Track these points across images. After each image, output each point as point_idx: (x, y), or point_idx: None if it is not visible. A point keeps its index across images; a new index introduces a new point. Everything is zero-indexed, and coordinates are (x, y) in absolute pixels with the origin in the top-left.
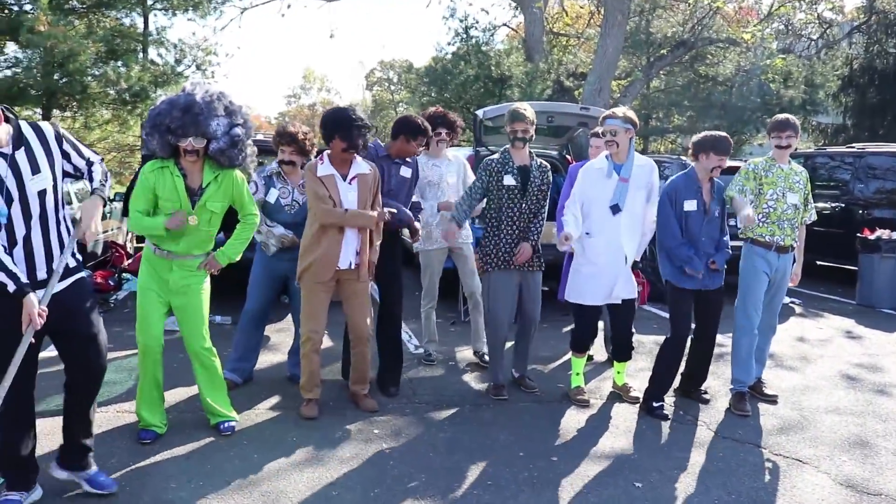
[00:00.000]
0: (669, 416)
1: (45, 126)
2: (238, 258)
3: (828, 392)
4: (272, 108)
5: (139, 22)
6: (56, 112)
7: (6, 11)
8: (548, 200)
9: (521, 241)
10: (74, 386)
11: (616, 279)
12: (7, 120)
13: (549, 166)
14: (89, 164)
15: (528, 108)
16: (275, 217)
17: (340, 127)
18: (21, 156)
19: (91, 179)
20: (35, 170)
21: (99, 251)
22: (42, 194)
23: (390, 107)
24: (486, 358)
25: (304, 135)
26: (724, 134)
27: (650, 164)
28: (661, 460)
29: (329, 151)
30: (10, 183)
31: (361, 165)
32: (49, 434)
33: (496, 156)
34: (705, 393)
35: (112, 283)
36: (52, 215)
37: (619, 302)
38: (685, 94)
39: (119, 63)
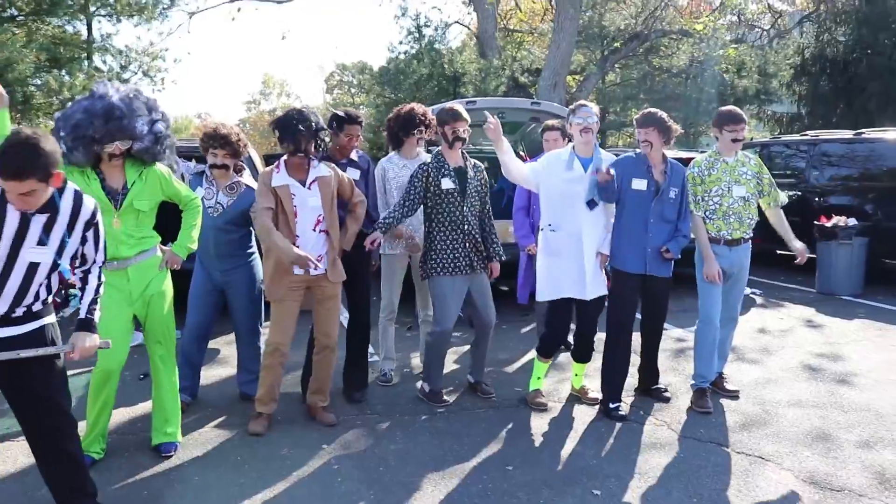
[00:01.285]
0: (627, 417)
1: (88, 203)
2: (195, 246)
3: (789, 384)
4: (232, 115)
5: (83, 29)
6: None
7: None
8: (488, 200)
9: (468, 245)
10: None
11: (584, 275)
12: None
13: (482, 165)
14: (94, 263)
15: (462, 108)
16: None
17: (285, 131)
18: (37, 221)
19: (83, 288)
20: (41, 242)
21: None
22: (33, 266)
23: (352, 109)
24: (485, 387)
25: (236, 136)
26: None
27: (611, 158)
28: (621, 464)
29: (285, 157)
30: (5, 240)
31: (321, 168)
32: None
33: (428, 158)
34: (665, 391)
35: (59, 300)
36: (37, 279)
37: (588, 299)
38: (641, 87)
39: (62, 71)
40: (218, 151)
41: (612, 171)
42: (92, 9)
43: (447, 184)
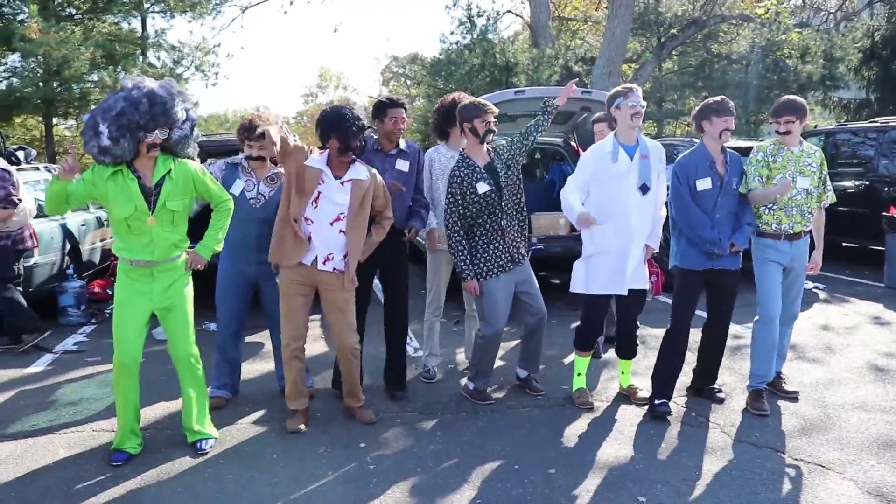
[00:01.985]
0: (671, 414)
1: None
2: (220, 248)
3: (854, 386)
4: (290, 108)
5: (138, 25)
6: (56, 120)
7: (2, 20)
8: (522, 191)
9: (507, 239)
10: None
11: (626, 268)
12: None
13: (501, 142)
14: None
15: (486, 100)
16: (238, 212)
17: (335, 128)
18: None
19: None
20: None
21: (97, 260)
22: None
23: (407, 101)
24: (535, 384)
25: (247, 122)
26: (719, 97)
27: (659, 147)
28: (669, 470)
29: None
30: None
31: (360, 171)
32: (17, 458)
33: (453, 163)
34: (719, 391)
35: (110, 293)
36: None
37: (626, 293)
38: (699, 75)
39: (118, 68)
40: (254, 143)
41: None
42: (146, 5)
43: (482, 187)
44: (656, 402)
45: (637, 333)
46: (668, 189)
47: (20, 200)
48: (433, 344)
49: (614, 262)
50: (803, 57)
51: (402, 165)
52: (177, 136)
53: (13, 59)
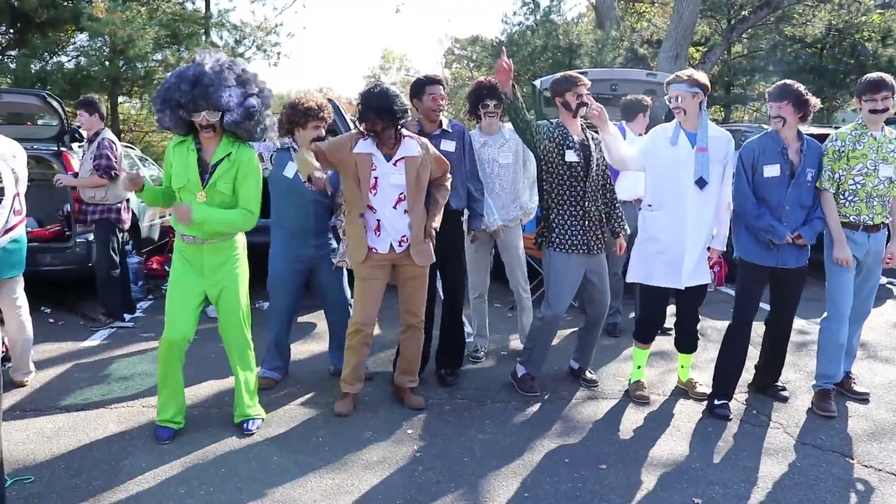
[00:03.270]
0: (731, 416)
1: None
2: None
3: None
4: (352, 89)
5: (202, 5)
6: (122, 99)
7: (71, 1)
8: (610, 174)
9: (587, 224)
10: None
11: (682, 260)
12: None
13: (599, 139)
14: None
15: (579, 74)
16: (294, 195)
17: (380, 109)
18: None
19: None
20: None
21: (155, 237)
22: None
23: (470, 84)
24: (589, 375)
25: (320, 105)
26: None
27: (726, 136)
28: (727, 470)
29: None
30: None
31: (411, 146)
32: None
33: (551, 127)
34: (783, 389)
35: (167, 269)
36: None
37: (683, 288)
38: (770, 59)
39: (181, 47)
40: (319, 123)
41: (790, 239)
42: None
43: (571, 156)
44: (716, 402)
45: (697, 327)
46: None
47: (117, 175)
48: (480, 324)
49: (670, 254)
50: (884, 40)
51: (448, 146)
52: (228, 119)
53: (81, 38)
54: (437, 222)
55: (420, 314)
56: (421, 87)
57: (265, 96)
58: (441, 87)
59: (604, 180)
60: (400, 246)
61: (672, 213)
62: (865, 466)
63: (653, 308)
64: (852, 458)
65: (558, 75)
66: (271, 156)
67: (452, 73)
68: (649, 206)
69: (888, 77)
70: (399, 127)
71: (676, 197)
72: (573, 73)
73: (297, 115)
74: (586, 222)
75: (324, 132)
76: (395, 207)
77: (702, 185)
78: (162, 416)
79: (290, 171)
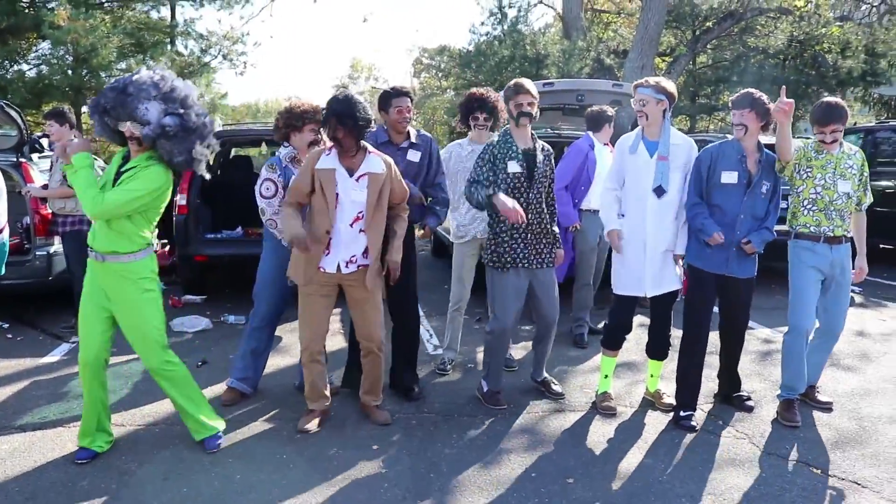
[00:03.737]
0: (697, 427)
1: None
2: (75, 165)
3: (892, 397)
4: (321, 98)
5: (167, 14)
6: (84, 108)
7: (32, 9)
8: (553, 186)
9: (531, 236)
10: None
11: (644, 268)
12: None
13: (551, 150)
14: None
15: (528, 82)
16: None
17: (345, 117)
18: None
19: None
20: None
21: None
22: None
23: (438, 93)
24: (554, 387)
25: (315, 109)
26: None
27: (689, 143)
28: (693, 483)
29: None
30: None
31: (375, 163)
32: (25, 451)
33: (495, 139)
34: (748, 399)
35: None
36: None
37: (645, 295)
38: (734, 69)
39: (146, 56)
40: (316, 126)
41: (720, 238)
42: None
43: (513, 167)
44: (682, 413)
45: (669, 333)
46: None
47: None
48: (453, 337)
49: (631, 261)
50: (844, 52)
51: (413, 156)
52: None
53: (43, 46)
54: (398, 256)
55: (376, 338)
56: (388, 99)
57: (192, 120)
58: (408, 98)
59: (548, 191)
60: (347, 267)
61: (632, 220)
62: (830, 476)
63: (620, 315)
64: (817, 468)
65: (510, 83)
66: (281, 174)
67: (421, 82)
68: (621, 214)
69: (839, 105)
70: (360, 136)
71: (636, 205)
72: (521, 80)
73: (293, 119)
74: (528, 235)
75: (320, 137)
76: (351, 225)
77: (660, 193)
78: (81, 440)
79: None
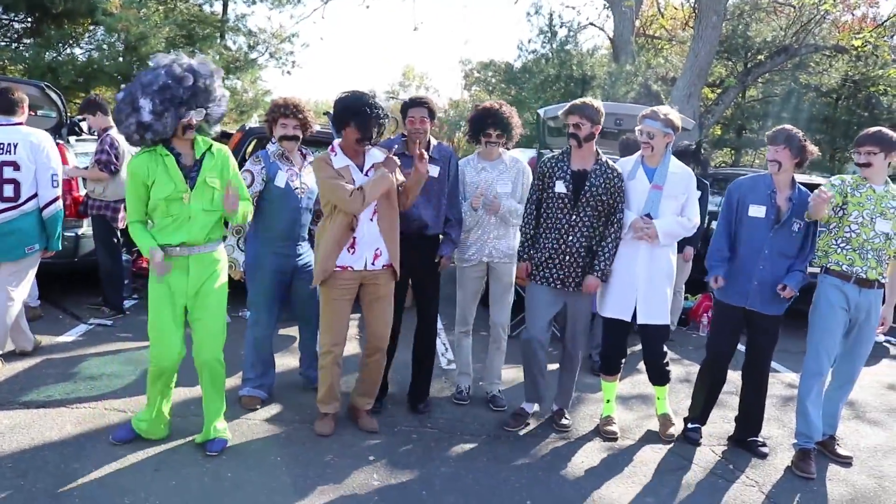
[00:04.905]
0: (701, 441)
1: None
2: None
3: None
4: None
5: (220, 8)
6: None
7: None
8: (600, 227)
9: (567, 259)
10: None
11: (633, 293)
12: None
13: (620, 172)
14: None
15: (589, 100)
16: (286, 204)
17: (356, 115)
18: None
19: None
20: None
21: None
22: None
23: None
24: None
25: (297, 105)
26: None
27: (687, 173)
28: None
29: (339, 141)
30: None
31: (375, 155)
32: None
33: (553, 156)
34: (763, 445)
35: None
36: None
37: (629, 320)
38: (784, 105)
39: (195, 48)
40: (288, 122)
41: (718, 283)
42: None
43: (560, 187)
44: (689, 425)
45: (665, 362)
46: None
47: (117, 171)
48: (463, 362)
49: (619, 284)
50: None
51: (433, 171)
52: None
53: (97, 32)
54: (395, 247)
55: (386, 337)
56: (405, 109)
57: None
58: (425, 108)
59: (601, 216)
60: (373, 263)
61: (626, 245)
62: None
63: (610, 339)
64: None
65: (568, 103)
66: (261, 167)
67: (472, 95)
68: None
69: (882, 130)
70: (377, 126)
71: (631, 230)
72: (577, 101)
73: (270, 112)
74: (566, 257)
75: (299, 133)
76: (371, 220)
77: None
78: (137, 422)
79: (280, 180)
